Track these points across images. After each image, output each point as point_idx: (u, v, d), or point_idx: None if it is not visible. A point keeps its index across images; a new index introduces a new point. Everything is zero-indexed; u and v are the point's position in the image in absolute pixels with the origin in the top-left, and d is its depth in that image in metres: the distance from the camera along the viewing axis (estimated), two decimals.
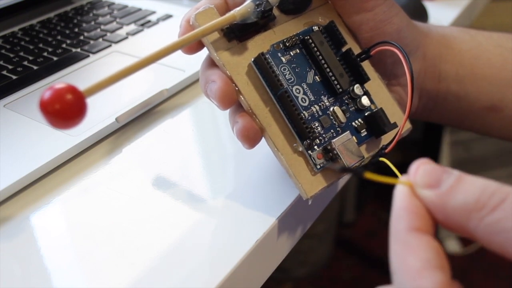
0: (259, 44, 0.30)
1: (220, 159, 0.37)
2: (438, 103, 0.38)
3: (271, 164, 0.35)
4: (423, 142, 1.09)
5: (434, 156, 1.10)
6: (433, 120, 0.41)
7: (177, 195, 0.33)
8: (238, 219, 0.31)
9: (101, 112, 0.39)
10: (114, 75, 0.24)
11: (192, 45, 0.30)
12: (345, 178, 0.40)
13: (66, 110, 0.22)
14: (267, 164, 0.35)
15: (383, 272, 1.25)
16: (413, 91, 0.28)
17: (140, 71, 0.25)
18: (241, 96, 0.29)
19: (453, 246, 1.29)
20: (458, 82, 0.37)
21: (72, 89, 0.22)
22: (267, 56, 0.29)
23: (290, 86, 0.30)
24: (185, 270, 0.28)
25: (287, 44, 0.30)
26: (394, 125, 0.31)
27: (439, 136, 1.09)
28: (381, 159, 0.29)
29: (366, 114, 0.31)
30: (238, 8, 0.28)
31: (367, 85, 0.32)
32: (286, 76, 0.30)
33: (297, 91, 0.30)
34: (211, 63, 0.30)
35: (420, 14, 0.53)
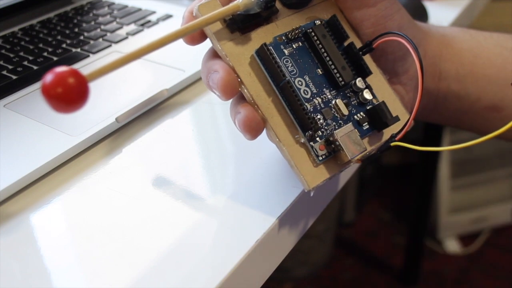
0: (262, 36, 0.30)
1: (220, 159, 0.37)
2: (438, 102, 0.38)
3: (271, 163, 0.35)
4: (423, 142, 1.09)
5: (434, 156, 1.10)
6: (433, 120, 0.41)
7: (177, 195, 0.33)
8: (238, 219, 0.31)
9: (101, 112, 0.39)
10: (117, 60, 0.24)
11: (195, 36, 0.29)
12: (347, 175, 0.40)
13: (68, 94, 0.21)
14: (267, 164, 0.35)
15: (383, 272, 1.25)
16: (423, 75, 0.28)
17: (141, 58, 0.25)
18: (243, 87, 0.29)
19: (453, 246, 1.29)
20: (458, 82, 0.37)
21: (74, 73, 0.22)
22: (269, 47, 0.29)
23: (292, 78, 0.30)
24: (185, 270, 0.28)
25: (290, 37, 0.30)
26: (396, 119, 0.31)
27: (439, 136, 1.09)
28: (394, 143, 0.29)
29: (368, 107, 0.31)
30: None
31: (368, 80, 0.32)
32: (289, 68, 0.30)
33: (299, 83, 0.30)
34: (213, 55, 0.30)
35: (420, 14, 0.53)
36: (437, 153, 1.10)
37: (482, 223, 1.30)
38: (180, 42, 0.30)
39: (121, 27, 0.53)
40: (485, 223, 1.30)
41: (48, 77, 0.21)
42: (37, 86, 0.44)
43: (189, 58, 0.45)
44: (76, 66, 0.47)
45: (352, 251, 1.31)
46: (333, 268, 1.26)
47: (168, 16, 0.55)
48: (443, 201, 1.25)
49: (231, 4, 0.28)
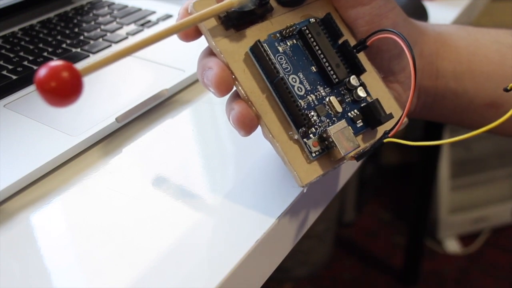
0: (256, 33, 0.30)
1: (220, 158, 0.37)
2: (436, 100, 0.38)
3: (271, 163, 0.35)
4: (422, 140, 1.09)
5: (434, 156, 1.10)
6: (433, 118, 0.41)
7: (177, 195, 0.33)
8: (238, 218, 0.31)
9: (101, 112, 0.39)
10: (112, 55, 0.24)
11: (189, 32, 0.29)
12: (347, 175, 0.40)
13: (62, 88, 0.21)
14: (267, 164, 0.35)
15: (383, 272, 1.25)
16: (415, 71, 0.28)
17: (136, 52, 0.25)
18: (237, 83, 0.29)
19: (453, 246, 1.29)
20: (456, 79, 0.37)
21: (68, 67, 0.22)
22: (264, 44, 0.29)
23: (286, 75, 0.30)
24: (185, 270, 0.28)
25: (284, 34, 0.31)
26: (390, 116, 0.31)
27: (439, 136, 1.09)
28: (386, 140, 0.29)
29: (362, 105, 0.31)
30: None
31: (363, 78, 0.32)
32: (283, 65, 0.30)
33: (293, 80, 0.30)
34: (208, 53, 0.30)
35: (420, 14, 0.53)
36: (437, 152, 1.10)
37: (482, 223, 1.30)
38: (181, 42, 0.30)
39: (121, 27, 0.53)
40: (485, 223, 1.30)
41: (42, 71, 0.21)
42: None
43: (189, 58, 0.45)
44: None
45: (352, 251, 1.31)
46: (333, 268, 1.26)
47: (168, 16, 0.55)
48: (443, 201, 1.25)
49: (225, 1, 0.28)
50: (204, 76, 0.29)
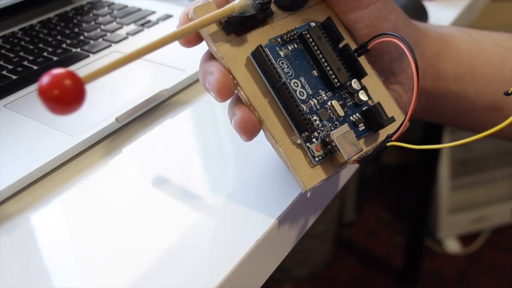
0: (257, 38, 0.30)
1: (220, 159, 0.37)
2: (437, 102, 0.38)
3: (271, 164, 0.35)
4: (423, 141, 1.09)
5: (434, 156, 1.10)
6: (433, 119, 0.41)
7: (177, 195, 0.33)
8: (238, 219, 0.31)
9: (101, 112, 0.39)
10: (112, 63, 0.24)
11: (190, 38, 0.30)
12: (347, 175, 0.40)
13: (65, 96, 0.21)
14: (267, 164, 0.35)
15: (383, 272, 1.25)
16: (418, 76, 0.28)
17: (137, 60, 0.25)
18: (239, 88, 0.29)
19: (453, 246, 1.29)
20: (457, 81, 0.37)
21: (71, 75, 0.22)
22: (265, 49, 0.29)
23: (288, 80, 0.30)
24: (185, 270, 0.28)
25: (285, 39, 0.31)
26: (392, 119, 0.31)
27: (439, 136, 1.09)
28: (390, 143, 0.29)
29: (363, 109, 0.31)
30: (237, 0, 0.28)
31: (364, 81, 0.32)
32: (284, 70, 0.30)
33: (295, 84, 0.30)
34: (210, 57, 0.30)
35: (420, 14, 0.53)
36: (437, 153, 1.10)
37: (482, 223, 1.30)
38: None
39: (121, 27, 0.53)
40: (485, 223, 1.30)
41: (45, 79, 0.21)
42: (37, 86, 0.44)
43: (189, 58, 0.45)
44: (76, 66, 0.47)
45: (352, 251, 1.31)
46: (333, 268, 1.26)
47: (168, 16, 0.55)
48: (443, 201, 1.25)
49: (226, 6, 0.28)
50: (205, 81, 0.30)
